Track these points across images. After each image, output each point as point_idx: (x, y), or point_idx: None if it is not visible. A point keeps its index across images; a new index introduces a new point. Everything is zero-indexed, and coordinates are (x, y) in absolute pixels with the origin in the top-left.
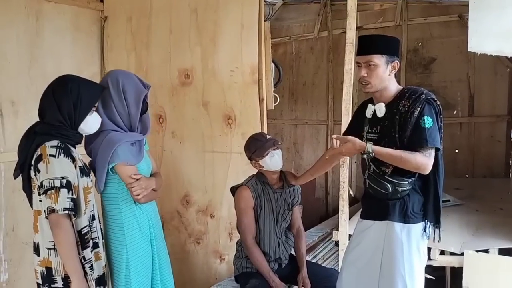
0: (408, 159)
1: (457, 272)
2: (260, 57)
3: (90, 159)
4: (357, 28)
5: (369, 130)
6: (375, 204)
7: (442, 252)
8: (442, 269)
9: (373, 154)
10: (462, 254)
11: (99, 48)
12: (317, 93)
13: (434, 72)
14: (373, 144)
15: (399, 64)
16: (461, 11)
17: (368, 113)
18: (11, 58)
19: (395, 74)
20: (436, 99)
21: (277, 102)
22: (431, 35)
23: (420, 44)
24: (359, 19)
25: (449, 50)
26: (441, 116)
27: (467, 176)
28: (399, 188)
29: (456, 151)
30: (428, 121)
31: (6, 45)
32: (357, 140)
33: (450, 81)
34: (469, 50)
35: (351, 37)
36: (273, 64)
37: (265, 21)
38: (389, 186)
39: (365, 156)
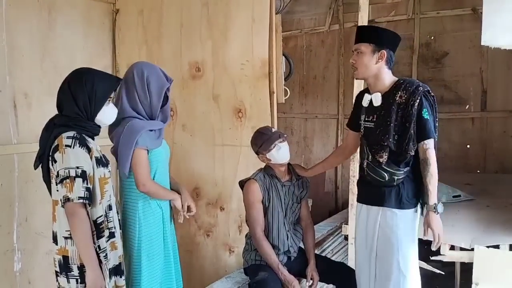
0: (434, 166)
1: (467, 268)
2: (271, 51)
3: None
4: (369, 22)
5: (366, 119)
6: (371, 190)
7: (452, 248)
8: (452, 264)
9: (442, 210)
10: (473, 249)
11: (111, 41)
12: (327, 87)
13: (447, 66)
14: (370, 132)
15: (386, 54)
16: (474, 5)
17: (365, 102)
18: (24, 51)
19: (389, 64)
20: (431, 91)
21: (288, 96)
22: (444, 29)
23: (432, 37)
24: (371, 12)
25: (462, 44)
26: (436, 106)
27: (478, 171)
28: (395, 177)
29: (468, 146)
30: (427, 113)
31: (20, 38)
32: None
33: (462, 75)
34: (482, 44)
35: None
36: (284, 57)
37: (276, 14)
38: (386, 174)
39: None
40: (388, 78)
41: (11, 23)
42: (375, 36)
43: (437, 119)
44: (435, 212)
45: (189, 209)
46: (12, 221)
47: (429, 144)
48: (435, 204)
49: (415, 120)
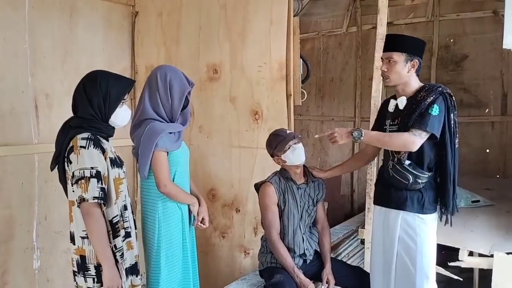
0: (395, 137)
1: (485, 274)
2: (289, 53)
3: (133, 145)
4: (388, 24)
5: (391, 123)
6: (393, 193)
7: (471, 253)
8: (470, 270)
9: (362, 138)
10: (492, 256)
11: (130, 43)
12: (344, 90)
13: (466, 69)
14: None
15: (418, 63)
16: (495, 7)
17: (391, 107)
18: (46, 53)
19: (417, 71)
20: (452, 94)
21: (305, 98)
22: (464, 32)
23: (452, 40)
24: (389, 14)
25: (482, 47)
26: (455, 111)
27: (498, 176)
28: (419, 180)
29: (487, 150)
30: (435, 110)
31: (42, 40)
32: (345, 128)
33: (482, 78)
34: (504, 47)
35: (382, 33)
36: (301, 59)
37: (294, 16)
38: (410, 176)
39: (355, 139)
40: (415, 84)
41: (33, 25)
42: (408, 45)
43: (457, 123)
44: (351, 133)
45: (202, 221)
46: (32, 219)
47: (417, 132)
48: (357, 129)
49: (419, 112)
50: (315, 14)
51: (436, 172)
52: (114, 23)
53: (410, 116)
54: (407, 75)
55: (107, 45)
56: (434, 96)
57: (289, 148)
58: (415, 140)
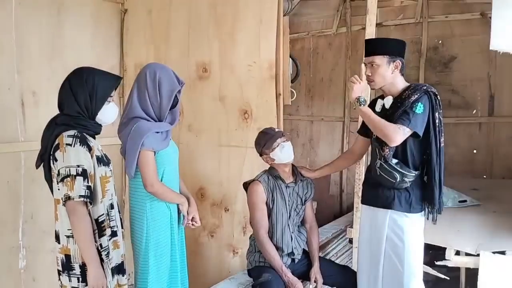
0: (384, 124)
1: (472, 273)
2: (278, 52)
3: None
4: (377, 25)
5: None
6: (380, 192)
7: (458, 253)
8: (457, 269)
9: (365, 105)
10: (478, 255)
11: (119, 41)
12: (334, 90)
13: (454, 70)
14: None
15: (400, 63)
16: (483, 9)
17: (378, 107)
18: (33, 50)
19: (401, 71)
20: (436, 93)
21: (294, 98)
22: (452, 33)
23: (440, 42)
24: (378, 15)
25: (470, 48)
26: (441, 110)
27: (485, 176)
28: (406, 179)
29: (475, 151)
30: (419, 108)
31: (29, 37)
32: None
33: (470, 80)
34: (491, 48)
35: (371, 33)
36: (290, 59)
37: (283, 16)
38: (397, 175)
39: (360, 102)
40: (401, 83)
41: (20, 22)
42: (388, 47)
43: (442, 122)
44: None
45: (193, 220)
46: (18, 218)
47: (401, 127)
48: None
49: (403, 109)
50: (305, 14)
51: (423, 170)
52: (103, 21)
53: (395, 114)
54: (392, 76)
55: (96, 43)
56: (418, 94)
57: (277, 146)
58: (397, 135)
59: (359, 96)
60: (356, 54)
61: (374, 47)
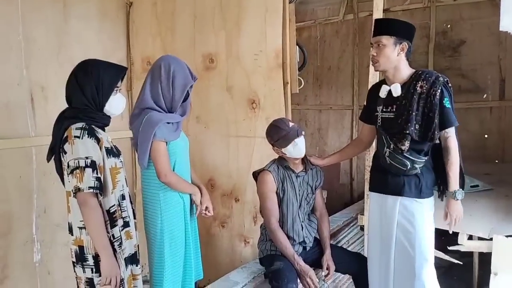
0: (455, 156)
1: (485, 258)
2: (285, 41)
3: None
4: (384, 10)
5: (384, 110)
6: (389, 179)
7: (470, 237)
8: (470, 254)
9: (463, 194)
10: (491, 239)
11: (125, 34)
12: (342, 78)
13: (464, 55)
14: (390, 122)
15: (407, 46)
16: None
17: (382, 93)
18: (40, 44)
19: (407, 55)
20: (449, 82)
21: (302, 86)
22: (461, 17)
23: (449, 26)
24: (385, 0)
25: (480, 32)
26: (453, 97)
27: (496, 161)
28: (416, 165)
29: (486, 136)
30: (447, 102)
31: (35, 31)
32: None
33: (480, 64)
34: (500, 29)
35: None
36: (297, 47)
37: (289, 3)
38: (408, 162)
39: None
40: (406, 69)
41: (26, 17)
42: (396, 28)
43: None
44: (454, 198)
45: (206, 209)
46: (31, 212)
47: (450, 133)
48: (455, 191)
49: (439, 110)
50: (311, 2)
51: (432, 155)
52: (109, 14)
53: (415, 110)
54: (397, 58)
55: (102, 36)
56: (440, 89)
57: (291, 143)
58: (455, 142)
59: (456, 199)
60: (364, 41)
61: (382, 27)
